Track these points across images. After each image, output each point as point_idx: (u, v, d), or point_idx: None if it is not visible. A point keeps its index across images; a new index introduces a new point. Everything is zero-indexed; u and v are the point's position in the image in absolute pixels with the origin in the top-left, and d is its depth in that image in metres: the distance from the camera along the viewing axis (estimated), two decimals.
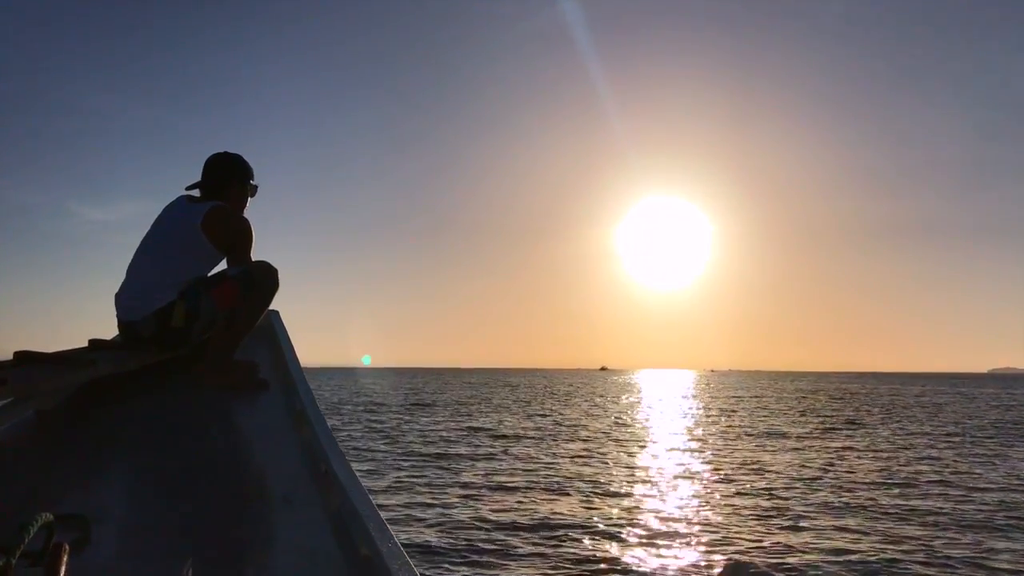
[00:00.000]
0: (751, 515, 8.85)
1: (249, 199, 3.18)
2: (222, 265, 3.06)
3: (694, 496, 10.19)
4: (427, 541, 7.43)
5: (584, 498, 9.87)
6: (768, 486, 10.96)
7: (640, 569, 6.57)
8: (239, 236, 2.99)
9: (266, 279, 2.97)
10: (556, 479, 11.51)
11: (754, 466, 13.15)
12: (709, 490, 10.64)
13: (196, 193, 3.07)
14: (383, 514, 1.56)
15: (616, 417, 25.39)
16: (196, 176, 3.08)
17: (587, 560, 6.79)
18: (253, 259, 3.04)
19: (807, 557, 6.93)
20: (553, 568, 6.54)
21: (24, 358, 2.33)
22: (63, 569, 0.92)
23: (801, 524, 8.35)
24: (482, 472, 12.18)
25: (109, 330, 3.01)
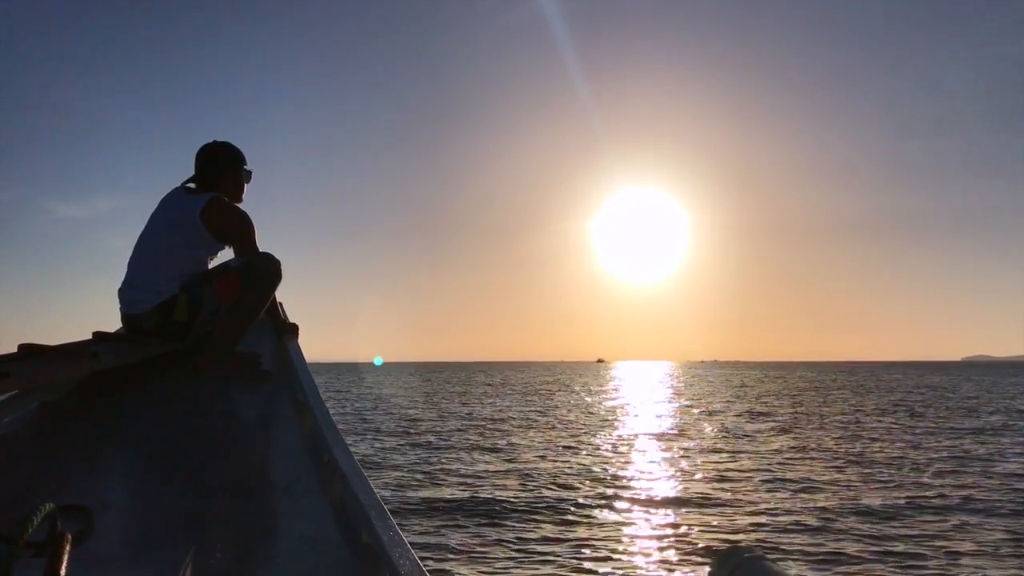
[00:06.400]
0: (747, 503, 8.83)
1: (246, 184, 3.20)
2: (226, 254, 3.07)
3: (691, 485, 10.17)
4: (427, 529, 7.48)
5: (578, 489, 9.88)
6: (762, 475, 10.93)
7: (636, 556, 6.60)
8: (238, 227, 2.99)
9: (268, 270, 2.98)
10: (549, 469, 11.51)
11: (748, 456, 13.07)
12: (705, 480, 10.60)
13: (191, 185, 3.08)
14: (384, 503, 1.56)
15: (607, 412, 25.30)
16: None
17: (582, 548, 6.80)
18: (258, 250, 3.05)
19: (803, 543, 6.95)
20: (548, 556, 6.57)
21: (28, 351, 2.34)
22: (65, 559, 0.93)
23: (795, 512, 8.34)
24: (473, 463, 12.20)
25: (112, 323, 3.03)
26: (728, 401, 29.62)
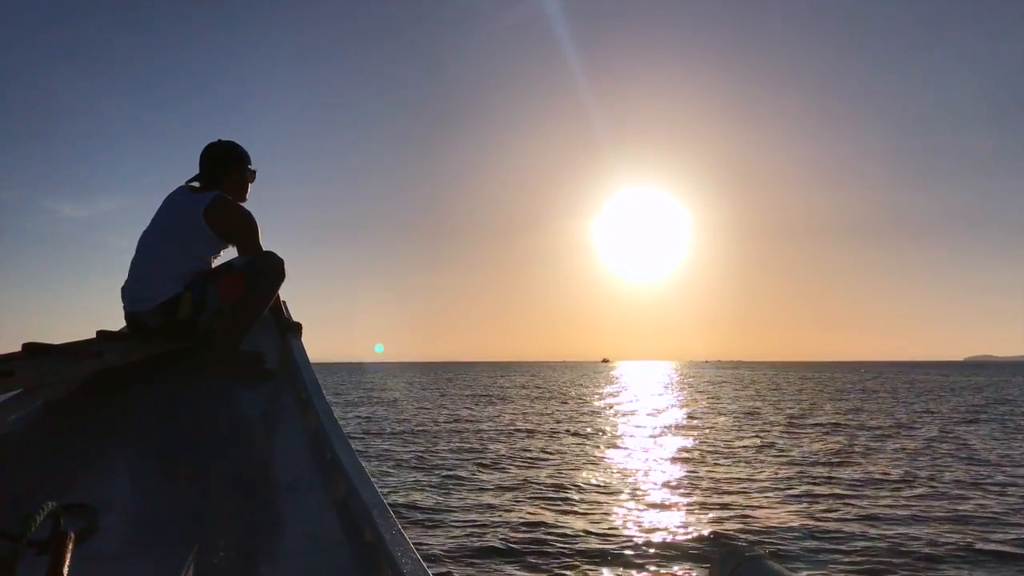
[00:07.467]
0: (749, 500, 8.74)
1: (250, 184, 3.20)
2: (230, 253, 3.08)
3: (693, 481, 10.06)
4: (427, 527, 7.44)
5: (579, 484, 9.86)
6: (766, 472, 10.81)
7: (636, 554, 6.57)
8: (241, 226, 3.00)
9: (271, 269, 2.98)
10: (549, 465, 11.44)
11: (751, 454, 12.87)
12: (706, 476, 10.47)
13: (196, 184, 3.09)
14: (387, 502, 1.57)
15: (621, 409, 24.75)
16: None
17: (583, 545, 6.75)
18: (262, 249, 3.06)
19: (803, 541, 6.90)
20: (548, 550, 6.52)
21: (33, 350, 2.35)
22: (69, 557, 0.93)
23: (796, 509, 8.30)
24: (469, 459, 12.00)
25: (116, 322, 3.04)
26: (774, 406, 25.85)
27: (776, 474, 10.76)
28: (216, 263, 3.05)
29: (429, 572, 1.26)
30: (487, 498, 9.07)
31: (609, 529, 7.43)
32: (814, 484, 9.95)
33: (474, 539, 6.99)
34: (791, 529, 7.37)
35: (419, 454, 12.94)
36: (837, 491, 9.45)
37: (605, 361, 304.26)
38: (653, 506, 8.62)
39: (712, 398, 32.20)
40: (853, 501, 8.81)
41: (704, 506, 8.59)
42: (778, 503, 8.73)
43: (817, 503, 8.74)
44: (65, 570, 0.91)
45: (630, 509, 8.47)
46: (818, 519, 7.83)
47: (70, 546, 0.95)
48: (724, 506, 8.56)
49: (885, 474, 10.74)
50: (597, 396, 34.91)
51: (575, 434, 16.37)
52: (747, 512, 8.18)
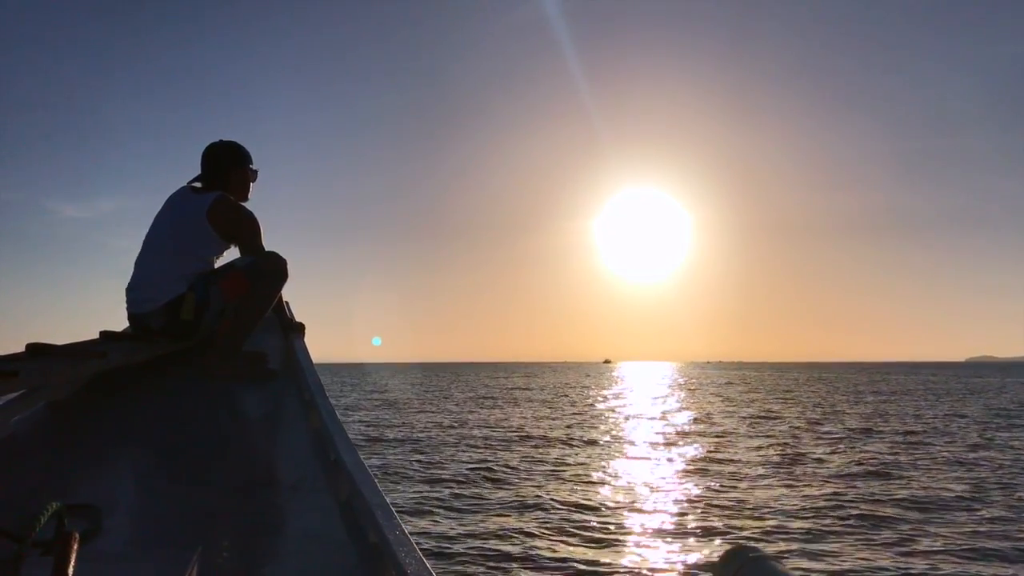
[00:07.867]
0: (809, 525, 7.85)
1: (252, 184, 3.20)
2: (232, 253, 3.08)
3: (735, 501, 9.34)
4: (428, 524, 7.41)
5: (584, 486, 9.84)
6: (812, 488, 10.23)
7: (639, 556, 6.55)
8: (244, 226, 3.00)
9: (274, 269, 2.99)
10: (567, 478, 11.31)
11: (787, 465, 12.27)
12: (747, 494, 9.86)
13: (197, 185, 3.09)
14: (390, 502, 1.57)
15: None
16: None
17: (584, 546, 6.71)
18: (264, 249, 3.06)
19: (807, 544, 6.86)
20: (552, 550, 6.52)
21: (36, 350, 2.35)
22: (73, 557, 0.93)
23: (798, 512, 8.21)
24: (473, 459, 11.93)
25: (119, 323, 3.04)
26: (792, 409, 24.45)
27: (823, 490, 9.57)
28: (219, 263, 3.05)
29: (433, 573, 1.25)
30: (504, 521, 8.02)
31: (651, 566, 6.36)
32: (876, 503, 8.73)
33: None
34: (877, 568, 6.20)
35: (423, 465, 12.01)
36: (904, 513, 8.24)
37: (607, 362, 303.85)
38: (696, 533, 7.43)
39: (725, 400, 30.93)
40: (929, 527, 7.57)
41: (760, 533, 7.40)
42: (843, 529, 7.53)
43: (887, 527, 7.56)
44: (70, 570, 0.91)
45: (669, 536, 7.38)
46: (904, 552, 6.69)
47: (74, 546, 0.95)
48: (778, 532, 7.40)
49: (948, 490, 9.54)
50: (604, 399, 33.83)
51: (590, 442, 15.37)
52: (811, 543, 6.97)
